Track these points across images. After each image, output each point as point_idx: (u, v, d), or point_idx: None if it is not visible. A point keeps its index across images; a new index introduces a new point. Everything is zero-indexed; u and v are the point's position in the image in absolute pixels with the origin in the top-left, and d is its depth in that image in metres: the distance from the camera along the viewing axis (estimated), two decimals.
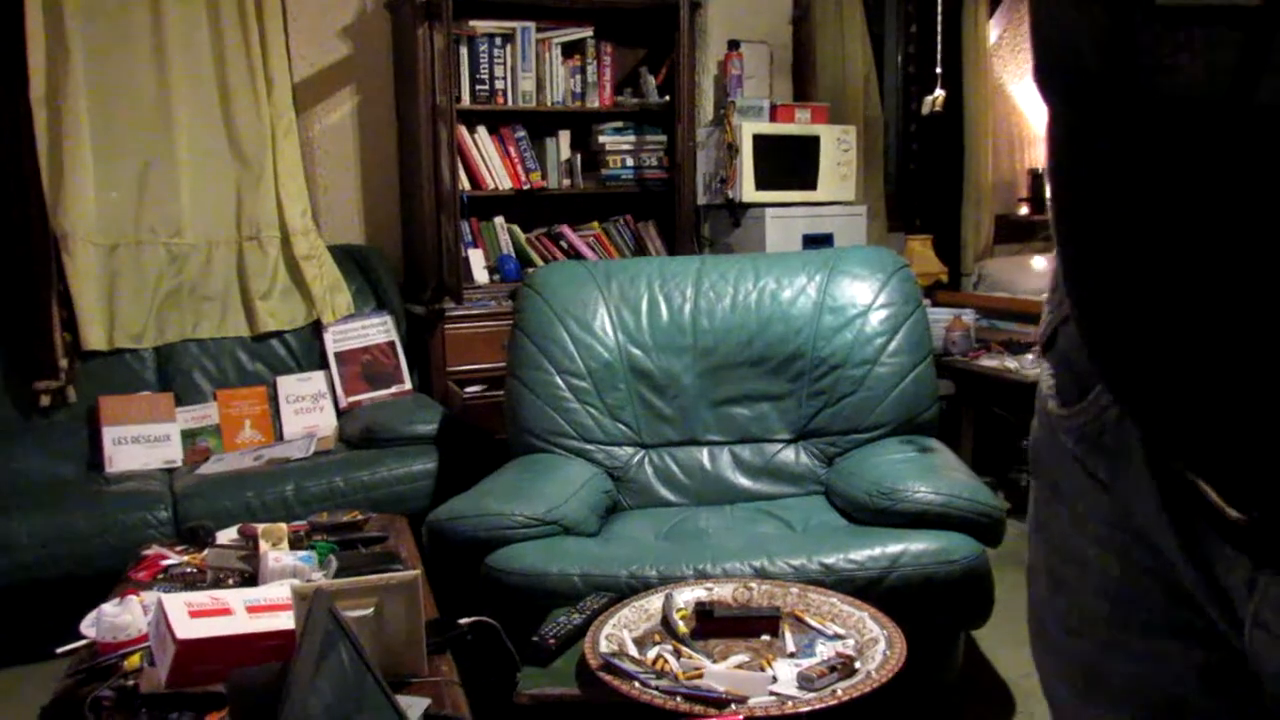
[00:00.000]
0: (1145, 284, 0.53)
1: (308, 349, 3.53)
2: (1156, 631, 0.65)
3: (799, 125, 3.98)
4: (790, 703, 1.58)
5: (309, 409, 3.44)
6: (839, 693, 1.59)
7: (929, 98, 4.51)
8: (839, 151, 4.00)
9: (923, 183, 5.18)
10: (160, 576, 2.07)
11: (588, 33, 3.86)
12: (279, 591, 1.68)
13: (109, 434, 3.14)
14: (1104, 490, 0.65)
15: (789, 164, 3.91)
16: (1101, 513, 0.66)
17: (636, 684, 1.60)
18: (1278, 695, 0.56)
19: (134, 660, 1.65)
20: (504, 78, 3.74)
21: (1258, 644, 0.56)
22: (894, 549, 2.15)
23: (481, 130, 3.76)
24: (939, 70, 4.74)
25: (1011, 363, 3.77)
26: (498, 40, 3.71)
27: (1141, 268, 0.53)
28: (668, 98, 3.93)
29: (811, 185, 3.97)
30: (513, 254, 3.86)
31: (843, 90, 4.51)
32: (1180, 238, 0.50)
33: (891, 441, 2.64)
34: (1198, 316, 0.51)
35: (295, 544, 2.11)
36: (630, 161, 3.96)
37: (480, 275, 3.79)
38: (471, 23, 3.65)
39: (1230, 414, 0.52)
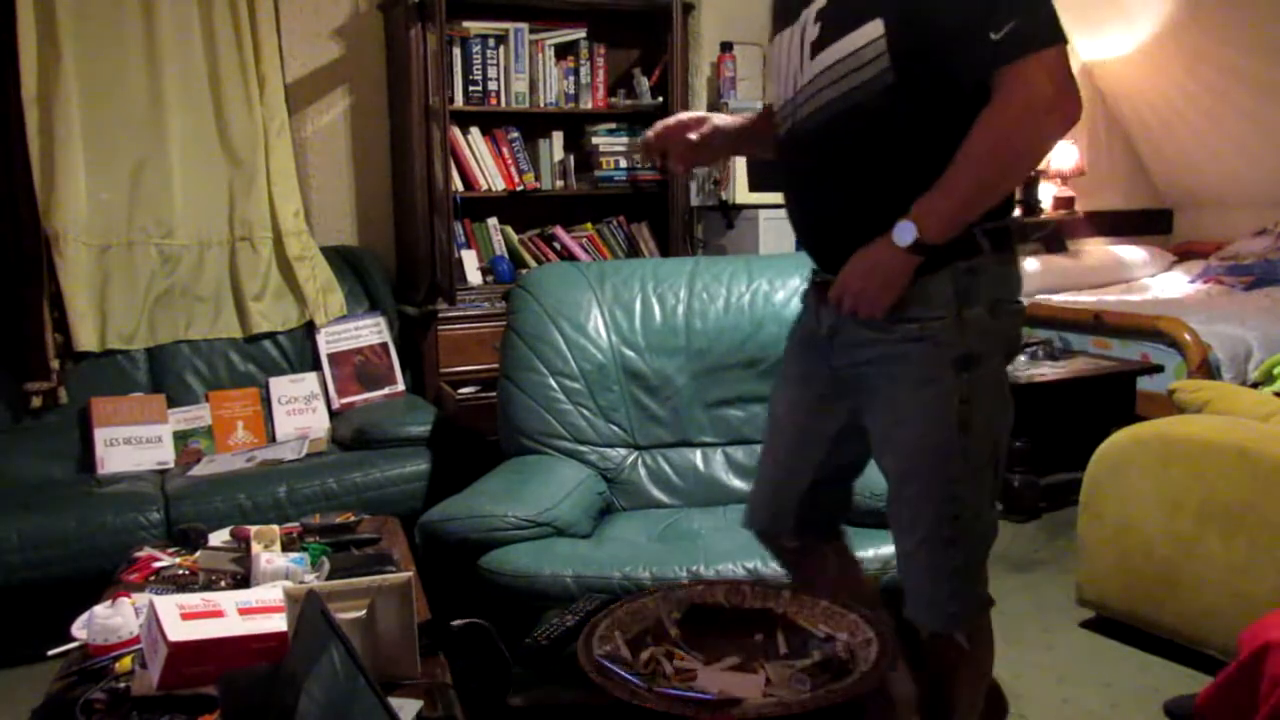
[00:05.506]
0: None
1: (300, 350, 3.52)
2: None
3: None
4: (783, 704, 1.58)
5: (301, 410, 3.43)
6: (832, 694, 1.60)
7: None
8: None
9: None
10: (152, 578, 2.06)
11: (581, 34, 3.86)
12: (271, 593, 1.68)
13: (100, 435, 3.13)
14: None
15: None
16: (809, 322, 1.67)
17: (629, 686, 1.60)
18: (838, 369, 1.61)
19: (125, 663, 1.64)
20: (497, 79, 3.73)
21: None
22: (886, 550, 2.15)
23: (474, 131, 3.76)
24: None
25: None
26: (490, 41, 3.70)
27: None
28: (661, 99, 3.93)
29: None
30: (506, 255, 3.86)
31: None
32: None
33: None
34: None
35: (287, 546, 2.11)
36: (623, 163, 3.96)
37: (473, 276, 3.78)
38: (464, 23, 3.65)
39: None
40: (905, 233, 1.43)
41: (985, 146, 1.40)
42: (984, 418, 1.54)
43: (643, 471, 2.71)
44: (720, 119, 1.81)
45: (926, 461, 1.55)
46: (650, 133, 1.79)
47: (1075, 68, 1.41)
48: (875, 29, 1.43)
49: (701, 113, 1.82)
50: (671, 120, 1.80)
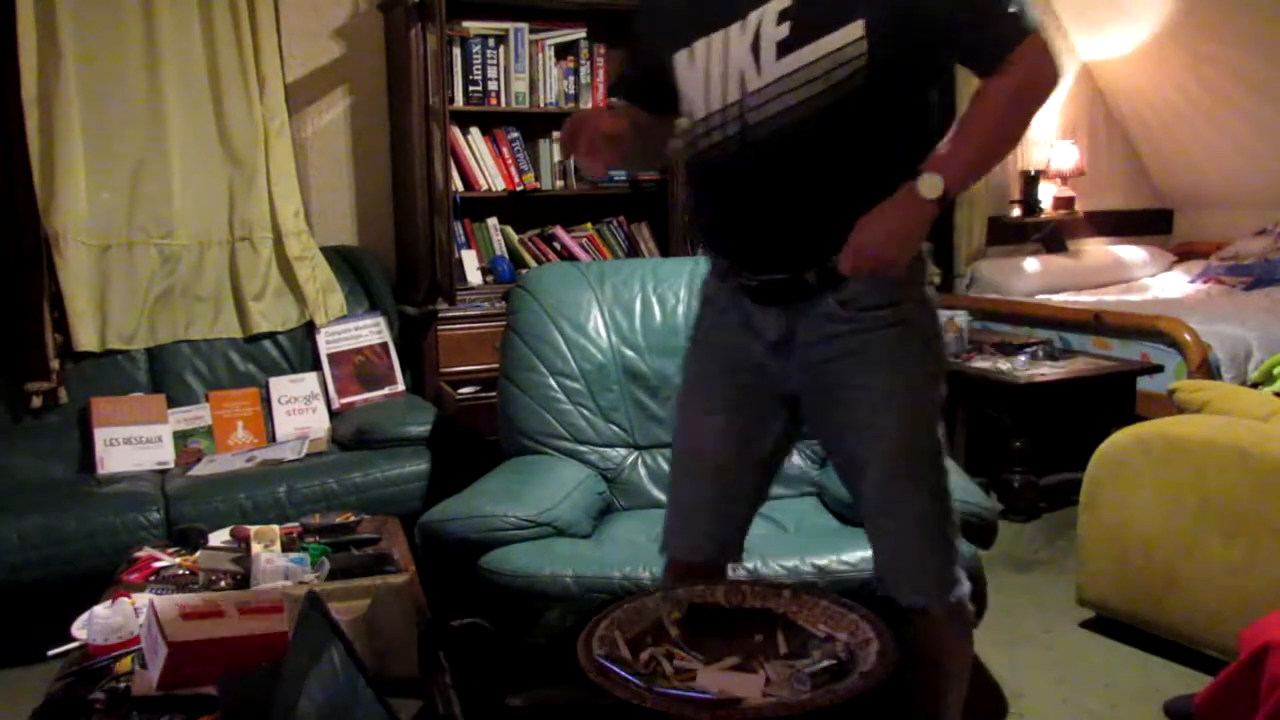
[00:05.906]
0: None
1: (300, 350, 3.52)
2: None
3: None
4: (783, 704, 1.58)
5: (301, 410, 3.43)
6: (832, 694, 1.60)
7: None
8: None
9: None
10: (152, 578, 2.06)
11: (581, 34, 3.86)
12: (271, 593, 1.68)
13: (100, 435, 3.13)
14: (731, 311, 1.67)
15: None
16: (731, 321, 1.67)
17: (629, 686, 1.60)
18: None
19: (126, 663, 1.64)
20: (497, 79, 3.73)
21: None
22: None
23: (474, 131, 3.76)
24: None
25: (1004, 364, 3.77)
26: (490, 41, 3.70)
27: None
28: None
29: None
30: (506, 255, 3.86)
31: None
32: None
33: None
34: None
35: (287, 546, 2.11)
36: None
37: (473, 276, 3.78)
38: (464, 24, 3.65)
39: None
40: (934, 185, 1.44)
41: (1006, 103, 1.45)
42: (943, 391, 1.64)
43: (643, 471, 2.71)
44: (630, 112, 1.78)
45: (915, 440, 1.60)
46: (566, 125, 1.66)
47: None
48: (857, 29, 1.44)
49: (616, 108, 1.83)
50: (584, 113, 1.75)
